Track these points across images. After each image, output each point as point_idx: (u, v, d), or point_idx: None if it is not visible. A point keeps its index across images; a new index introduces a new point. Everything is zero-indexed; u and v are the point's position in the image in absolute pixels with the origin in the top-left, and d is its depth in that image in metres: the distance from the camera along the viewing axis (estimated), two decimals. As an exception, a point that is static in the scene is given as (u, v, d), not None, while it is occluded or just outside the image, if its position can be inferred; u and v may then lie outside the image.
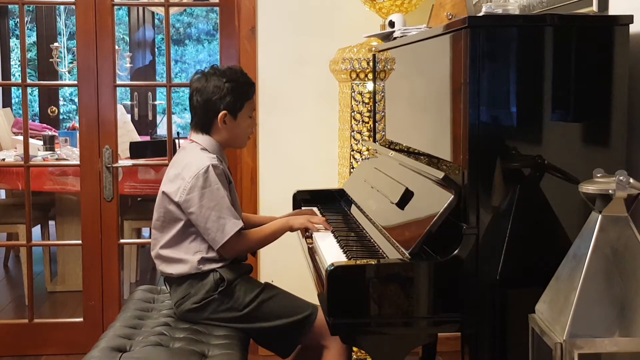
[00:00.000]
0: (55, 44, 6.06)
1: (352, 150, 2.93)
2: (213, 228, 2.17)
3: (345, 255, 2.03)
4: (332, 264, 1.73)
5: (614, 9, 1.90)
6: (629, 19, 1.73)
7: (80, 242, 3.50)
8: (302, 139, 3.44)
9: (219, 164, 2.22)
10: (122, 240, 3.65)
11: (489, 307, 1.73)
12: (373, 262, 1.79)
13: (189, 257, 2.22)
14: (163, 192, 2.26)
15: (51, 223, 4.78)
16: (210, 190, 2.17)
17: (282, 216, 2.52)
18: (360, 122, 2.91)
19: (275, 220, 2.37)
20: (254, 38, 3.41)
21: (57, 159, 4.25)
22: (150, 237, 4.12)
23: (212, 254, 2.22)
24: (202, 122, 2.30)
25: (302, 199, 2.79)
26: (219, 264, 2.23)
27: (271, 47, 3.42)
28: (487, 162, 1.72)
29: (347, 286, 1.73)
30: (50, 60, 6.09)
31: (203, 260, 2.22)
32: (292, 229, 2.35)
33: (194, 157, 2.25)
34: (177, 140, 4.39)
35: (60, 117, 7.55)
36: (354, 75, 2.87)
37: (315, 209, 2.67)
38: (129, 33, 7.85)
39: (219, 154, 2.30)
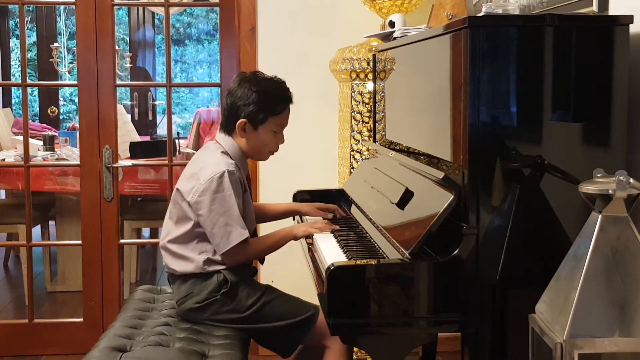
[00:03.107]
0: (55, 44, 6.06)
1: (352, 150, 2.93)
2: (219, 234, 2.17)
3: (345, 255, 2.03)
4: (332, 264, 1.73)
5: (614, 9, 1.90)
6: (629, 19, 1.73)
7: (80, 242, 3.50)
8: (302, 139, 3.44)
9: (235, 171, 2.21)
10: (122, 240, 3.65)
11: (489, 307, 1.73)
12: (373, 262, 1.79)
13: (194, 256, 2.22)
14: (177, 189, 2.26)
15: (51, 223, 4.78)
16: (222, 196, 2.17)
17: (300, 205, 2.58)
18: (360, 122, 2.91)
19: (278, 230, 2.36)
20: (254, 38, 3.41)
21: (57, 159, 4.25)
22: (150, 237, 4.10)
23: (217, 256, 2.22)
24: (226, 123, 2.30)
25: (302, 199, 2.79)
26: (224, 266, 2.22)
27: (271, 47, 3.42)
28: (487, 162, 1.72)
29: (347, 286, 1.73)
30: (50, 60, 6.09)
31: (208, 261, 2.22)
32: (295, 238, 2.35)
33: (212, 159, 2.24)
34: (177, 140, 4.40)
35: (60, 117, 7.55)
36: (354, 75, 2.87)
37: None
38: (129, 33, 7.85)
39: (240, 160, 2.28)
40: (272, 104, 2.26)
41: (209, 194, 2.16)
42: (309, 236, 2.36)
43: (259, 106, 2.24)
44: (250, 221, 2.30)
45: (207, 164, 2.22)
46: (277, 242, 2.32)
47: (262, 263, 2.52)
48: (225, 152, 2.27)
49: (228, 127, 2.29)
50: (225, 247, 2.18)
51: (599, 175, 1.46)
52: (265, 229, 3.24)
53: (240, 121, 2.25)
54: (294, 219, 2.72)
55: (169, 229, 2.28)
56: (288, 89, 2.32)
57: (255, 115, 2.24)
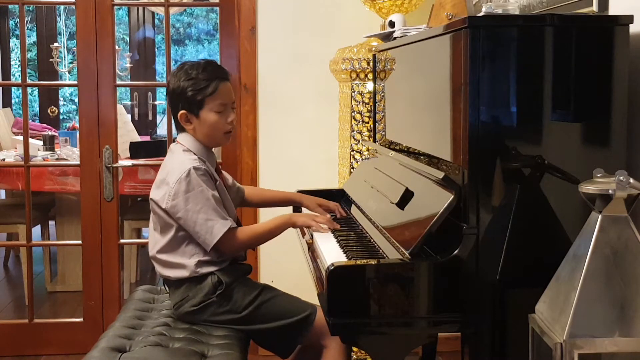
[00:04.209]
0: (55, 44, 6.07)
1: (352, 150, 2.93)
2: (202, 231, 2.16)
3: (345, 255, 2.03)
4: (332, 264, 1.73)
5: (614, 9, 1.90)
6: (629, 19, 1.73)
7: (80, 242, 3.50)
8: (302, 139, 3.44)
9: (200, 165, 2.20)
10: (122, 240, 3.65)
11: (489, 307, 1.73)
12: (373, 262, 1.79)
13: (185, 261, 2.21)
14: (151, 199, 2.26)
15: (51, 223, 4.78)
16: (194, 194, 2.16)
17: (300, 196, 2.59)
18: (360, 122, 2.91)
19: (276, 217, 2.35)
20: (254, 38, 3.41)
21: (57, 159, 4.25)
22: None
23: (208, 257, 2.21)
24: (175, 122, 2.33)
25: (302, 199, 2.78)
26: (217, 267, 2.22)
27: (271, 47, 3.42)
28: (487, 162, 1.72)
29: (347, 286, 1.72)
30: (50, 60, 6.09)
31: (200, 264, 2.21)
32: (294, 225, 2.34)
33: (176, 160, 2.24)
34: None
35: (60, 117, 7.55)
36: (354, 75, 2.87)
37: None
38: (129, 33, 7.85)
39: (204, 153, 2.28)
40: (201, 86, 2.23)
41: (181, 195, 2.16)
42: (308, 233, 2.35)
43: (190, 93, 2.23)
44: (230, 210, 2.29)
45: (172, 168, 2.23)
46: (274, 229, 2.30)
47: (253, 250, 2.50)
48: (187, 150, 2.26)
49: (177, 125, 2.31)
50: (211, 242, 2.17)
51: (599, 175, 1.46)
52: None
53: (179, 113, 2.26)
54: (294, 210, 2.72)
55: (155, 239, 2.28)
56: (218, 67, 2.30)
57: (190, 103, 2.24)
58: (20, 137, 4.18)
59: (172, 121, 2.37)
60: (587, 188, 1.44)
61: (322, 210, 2.52)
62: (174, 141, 2.38)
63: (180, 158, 2.24)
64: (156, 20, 8.31)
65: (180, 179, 2.17)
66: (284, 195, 2.66)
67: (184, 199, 2.16)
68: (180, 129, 2.32)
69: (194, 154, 2.25)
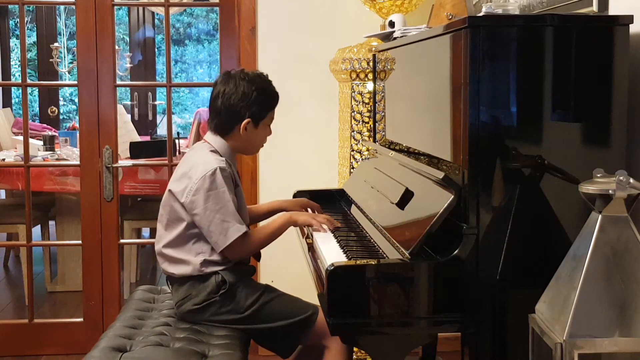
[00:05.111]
0: (55, 44, 6.07)
1: (352, 150, 2.93)
2: (216, 231, 2.17)
3: (345, 255, 2.03)
4: (332, 264, 1.73)
5: (614, 9, 1.90)
6: (629, 19, 1.73)
7: (80, 242, 3.50)
8: (302, 139, 3.44)
9: (226, 167, 2.20)
10: (122, 240, 3.65)
11: (489, 307, 1.73)
12: (373, 262, 1.79)
13: (191, 258, 2.22)
14: (169, 191, 2.25)
15: (51, 223, 4.78)
16: (215, 194, 2.16)
17: (281, 202, 2.58)
18: (360, 122, 2.91)
19: (278, 216, 2.35)
20: (254, 38, 3.41)
21: (57, 159, 4.25)
22: (150, 237, 4.08)
23: (214, 257, 2.21)
24: (223, 125, 2.27)
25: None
26: (221, 267, 2.22)
27: (271, 47, 3.42)
28: (487, 162, 1.72)
29: (347, 286, 1.73)
30: (50, 60, 6.09)
31: (205, 263, 2.21)
32: (296, 224, 2.35)
33: (202, 157, 2.23)
34: (177, 140, 4.40)
35: (60, 117, 7.55)
36: (354, 75, 2.87)
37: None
38: (129, 33, 7.85)
39: (229, 157, 2.28)
40: (270, 99, 2.29)
41: (203, 192, 2.16)
42: (308, 236, 2.36)
43: (261, 104, 2.25)
44: (244, 215, 2.29)
45: (197, 163, 2.22)
46: (277, 230, 2.30)
47: (258, 259, 2.51)
48: (214, 151, 2.26)
49: (226, 128, 2.26)
50: (223, 243, 2.17)
51: (599, 175, 1.46)
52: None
53: (244, 121, 2.24)
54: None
55: (162, 233, 2.28)
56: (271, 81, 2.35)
57: (259, 113, 2.25)
58: (20, 137, 4.18)
59: (214, 120, 2.28)
60: (587, 188, 1.44)
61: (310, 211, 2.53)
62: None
63: (207, 156, 2.23)
64: (156, 20, 8.31)
65: (204, 176, 2.16)
66: (266, 207, 2.64)
67: (205, 196, 2.16)
68: (221, 132, 2.27)
69: (221, 156, 2.25)
